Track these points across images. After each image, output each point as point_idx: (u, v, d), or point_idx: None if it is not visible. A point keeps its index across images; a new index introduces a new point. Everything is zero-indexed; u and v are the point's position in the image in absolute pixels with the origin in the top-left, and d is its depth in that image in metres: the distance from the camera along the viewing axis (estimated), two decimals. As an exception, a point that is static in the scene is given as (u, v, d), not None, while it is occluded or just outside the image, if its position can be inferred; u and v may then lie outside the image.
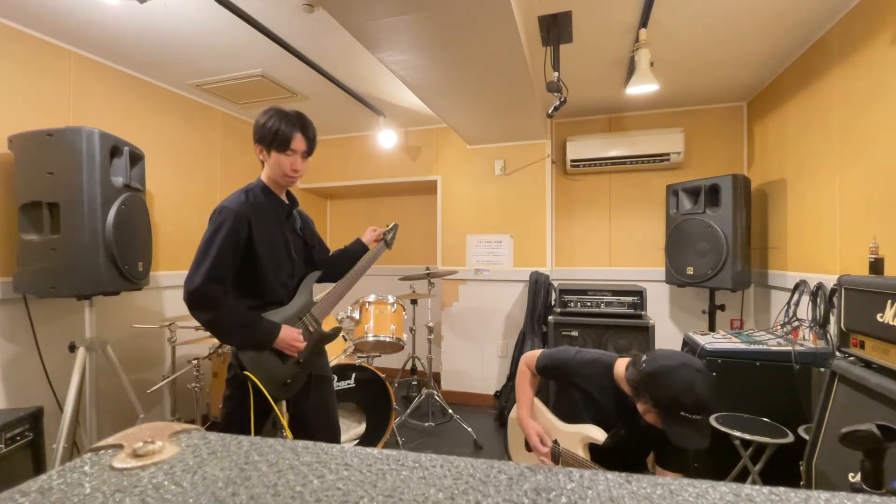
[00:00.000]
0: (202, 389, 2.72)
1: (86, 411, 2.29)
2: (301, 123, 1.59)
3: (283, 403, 1.72)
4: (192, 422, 2.63)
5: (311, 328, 1.70)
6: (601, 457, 1.54)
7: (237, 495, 0.44)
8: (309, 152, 1.64)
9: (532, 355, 1.76)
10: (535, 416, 1.74)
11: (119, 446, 0.53)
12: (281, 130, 1.54)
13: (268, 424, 1.71)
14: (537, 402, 1.78)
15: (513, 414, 1.83)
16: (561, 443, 1.58)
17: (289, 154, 1.58)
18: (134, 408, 2.45)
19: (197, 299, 1.46)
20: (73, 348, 2.23)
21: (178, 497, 0.43)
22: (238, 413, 1.60)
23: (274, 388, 1.58)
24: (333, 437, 1.80)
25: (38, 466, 1.90)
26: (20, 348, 2.31)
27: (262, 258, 1.57)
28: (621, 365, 1.52)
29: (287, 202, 1.74)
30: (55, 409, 2.39)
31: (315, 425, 1.73)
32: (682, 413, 1.29)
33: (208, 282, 1.46)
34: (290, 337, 1.59)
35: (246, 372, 1.53)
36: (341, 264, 1.92)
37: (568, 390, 1.66)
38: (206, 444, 0.55)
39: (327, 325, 1.82)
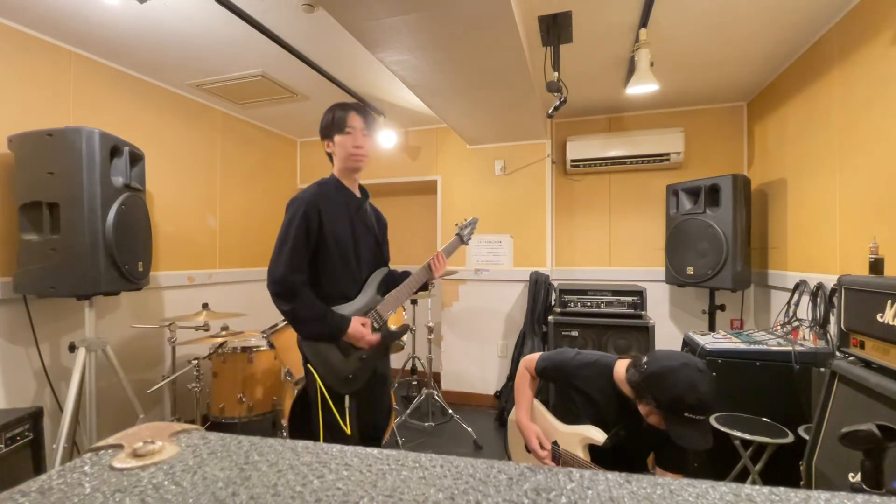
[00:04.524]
0: (202, 389, 2.72)
1: (86, 411, 2.29)
2: (353, 105, 1.71)
3: (347, 398, 1.66)
4: (192, 422, 2.63)
5: (375, 325, 1.68)
6: (601, 458, 1.54)
7: (237, 495, 0.44)
8: (368, 128, 1.71)
9: (531, 358, 1.76)
10: (534, 418, 1.74)
11: (119, 446, 0.53)
12: (336, 115, 1.67)
13: (343, 408, 1.65)
14: (537, 403, 1.78)
15: (512, 415, 1.82)
16: (560, 444, 1.58)
17: (348, 132, 1.66)
18: (134, 408, 2.45)
19: (280, 288, 1.53)
20: (73, 348, 2.23)
21: (178, 497, 0.43)
22: (306, 399, 1.68)
23: (336, 382, 1.62)
24: (377, 435, 1.82)
25: (38, 466, 1.90)
26: (20, 348, 2.31)
27: (331, 249, 1.62)
28: (621, 367, 1.52)
29: (359, 196, 1.78)
30: (55, 409, 2.39)
31: (365, 423, 1.75)
32: (686, 414, 1.28)
33: (290, 272, 1.53)
34: (359, 331, 1.61)
35: (308, 365, 1.62)
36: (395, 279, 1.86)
37: (567, 392, 1.66)
38: (206, 444, 0.55)
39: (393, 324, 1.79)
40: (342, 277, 1.66)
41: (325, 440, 1.61)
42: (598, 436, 1.50)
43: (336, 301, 1.65)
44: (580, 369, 1.61)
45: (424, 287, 1.85)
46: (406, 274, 1.83)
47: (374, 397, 1.78)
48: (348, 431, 1.62)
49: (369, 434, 1.80)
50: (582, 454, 1.53)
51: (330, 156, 1.75)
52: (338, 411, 1.62)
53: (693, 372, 1.31)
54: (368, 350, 1.67)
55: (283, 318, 2.50)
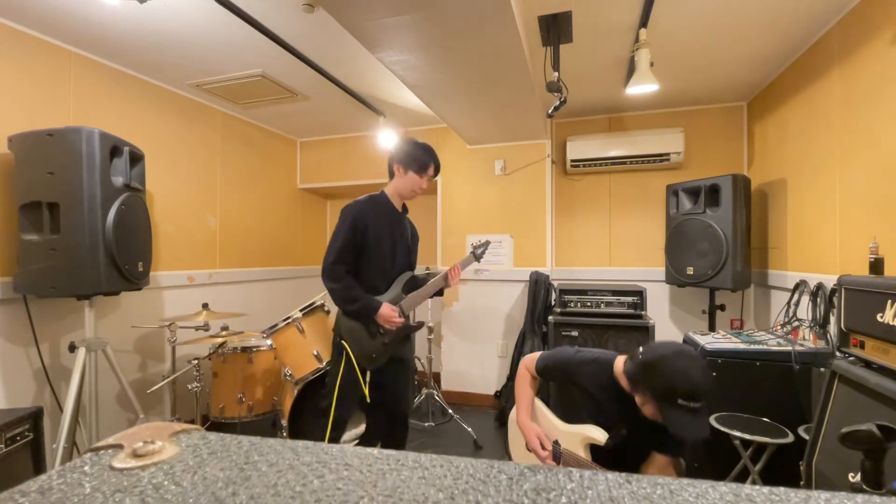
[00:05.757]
0: (202, 389, 2.72)
1: (86, 411, 2.29)
2: (434, 155, 2.10)
3: (368, 373, 2.05)
4: (192, 422, 2.63)
5: (398, 316, 2.03)
6: (602, 457, 1.54)
7: (237, 495, 0.44)
8: (434, 176, 2.13)
9: (531, 358, 1.76)
10: (535, 417, 1.74)
11: (119, 446, 0.53)
12: (423, 159, 2.06)
13: (364, 378, 2.04)
14: (538, 402, 1.78)
15: (513, 415, 1.82)
16: (561, 443, 1.58)
17: (423, 176, 2.08)
18: (134, 408, 2.45)
19: (328, 273, 1.95)
20: (73, 348, 2.23)
21: (178, 497, 0.43)
22: (333, 369, 2.04)
23: (361, 357, 2.00)
24: (399, 411, 2.18)
25: (38, 466, 1.90)
26: (20, 348, 2.31)
27: (371, 250, 2.01)
28: (620, 362, 1.52)
29: (400, 211, 2.16)
30: (55, 409, 2.39)
31: (387, 397, 2.12)
32: (680, 401, 1.28)
33: (336, 262, 1.95)
34: (388, 313, 1.98)
35: (342, 340, 2.00)
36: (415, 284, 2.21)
37: (568, 390, 1.66)
38: (206, 444, 0.55)
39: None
40: (377, 274, 2.04)
41: (339, 397, 1.99)
42: (600, 435, 1.50)
43: (369, 292, 2.01)
44: (581, 367, 1.61)
45: (440, 293, 2.22)
46: (426, 279, 2.20)
47: (395, 376, 2.13)
48: (367, 398, 2.01)
49: (395, 407, 2.16)
50: (583, 453, 1.53)
51: (391, 173, 2.12)
52: (361, 376, 2.01)
53: (686, 360, 1.32)
54: (391, 336, 2.02)
55: (283, 319, 2.54)
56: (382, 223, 2.05)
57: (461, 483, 0.45)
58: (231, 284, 3.67)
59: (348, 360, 1.99)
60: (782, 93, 2.85)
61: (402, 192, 2.11)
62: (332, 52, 2.62)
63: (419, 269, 3.48)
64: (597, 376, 1.57)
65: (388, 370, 2.08)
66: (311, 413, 2.56)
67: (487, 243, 2.32)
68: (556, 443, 1.59)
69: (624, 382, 1.48)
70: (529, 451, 1.64)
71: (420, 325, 2.23)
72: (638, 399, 1.41)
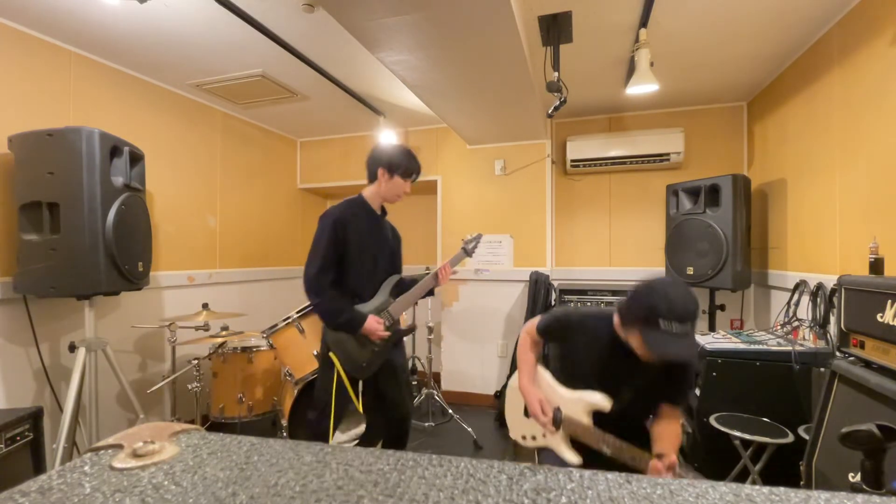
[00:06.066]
0: (202, 389, 2.72)
1: (86, 411, 2.29)
2: (416, 159, 2.09)
3: (360, 382, 2.01)
4: (192, 422, 2.63)
5: (386, 322, 1.99)
6: (604, 421, 1.52)
7: (237, 495, 0.44)
8: (415, 180, 2.11)
9: (532, 322, 1.74)
10: (537, 384, 1.72)
11: (119, 446, 0.53)
12: (410, 165, 2.04)
13: (357, 389, 2.00)
14: (540, 369, 1.75)
15: (513, 381, 1.79)
16: (564, 410, 1.56)
17: (407, 180, 2.05)
18: (134, 408, 2.45)
19: (310, 285, 1.89)
20: (73, 348, 2.23)
21: (178, 497, 0.43)
22: (324, 382, 1.99)
23: (352, 368, 1.95)
24: (400, 415, 2.13)
25: (38, 466, 1.90)
26: (20, 348, 2.31)
27: (353, 256, 1.95)
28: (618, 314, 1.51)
29: (379, 214, 2.11)
30: (55, 409, 2.39)
31: (385, 404, 2.10)
32: (662, 323, 1.26)
33: (318, 273, 1.88)
34: (373, 326, 1.93)
35: (330, 353, 1.94)
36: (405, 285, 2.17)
37: (569, 348, 1.63)
38: (206, 444, 0.55)
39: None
40: (361, 280, 1.99)
41: (335, 413, 1.95)
42: (603, 402, 1.48)
43: (355, 299, 1.96)
44: (583, 322, 1.58)
45: (431, 293, 2.15)
46: (415, 281, 2.13)
47: (389, 383, 2.08)
48: (360, 409, 1.97)
49: (395, 412, 2.11)
50: (586, 420, 1.51)
51: (373, 176, 2.05)
52: (353, 391, 1.97)
53: (669, 284, 1.31)
54: (380, 344, 1.97)
55: (283, 319, 2.54)
56: (362, 227, 2.00)
57: (461, 483, 0.45)
58: (231, 284, 3.67)
59: (339, 373, 1.94)
60: (782, 93, 2.85)
61: (385, 196, 2.07)
62: (332, 52, 2.62)
63: (420, 270, 3.49)
64: (598, 330, 1.54)
65: (381, 377, 2.05)
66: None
67: (479, 236, 2.25)
68: (557, 409, 1.57)
69: (621, 331, 1.47)
70: (529, 417, 1.62)
71: (412, 329, 2.16)
72: (628, 336, 1.39)
